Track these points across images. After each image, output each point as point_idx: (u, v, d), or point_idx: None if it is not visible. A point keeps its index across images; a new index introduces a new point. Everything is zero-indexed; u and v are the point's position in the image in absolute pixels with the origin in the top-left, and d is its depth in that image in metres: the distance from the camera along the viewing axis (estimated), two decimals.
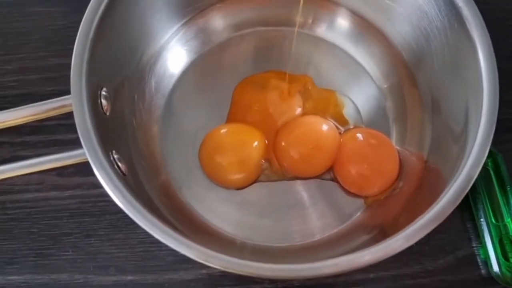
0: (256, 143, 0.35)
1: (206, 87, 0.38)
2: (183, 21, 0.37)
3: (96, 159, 0.26)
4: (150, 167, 0.34)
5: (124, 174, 0.29)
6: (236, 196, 0.35)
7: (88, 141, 0.26)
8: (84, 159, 0.26)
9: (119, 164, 0.28)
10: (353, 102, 0.37)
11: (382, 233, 0.32)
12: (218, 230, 0.34)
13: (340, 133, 0.36)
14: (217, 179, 0.35)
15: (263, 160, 0.36)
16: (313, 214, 0.35)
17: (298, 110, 0.37)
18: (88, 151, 0.26)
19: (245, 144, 0.35)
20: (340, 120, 0.37)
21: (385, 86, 0.38)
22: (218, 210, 0.35)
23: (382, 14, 0.36)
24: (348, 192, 0.35)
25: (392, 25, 0.36)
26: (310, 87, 0.38)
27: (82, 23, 0.29)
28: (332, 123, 0.36)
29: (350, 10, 0.38)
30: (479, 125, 0.27)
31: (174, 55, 0.38)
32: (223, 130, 0.36)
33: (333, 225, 0.34)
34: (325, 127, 0.35)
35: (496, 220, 0.35)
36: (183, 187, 0.35)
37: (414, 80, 0.36)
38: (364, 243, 0.32)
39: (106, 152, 0.27)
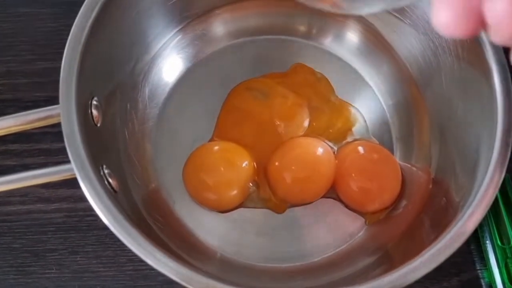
0: (244, 163, 0.33)
1: (202, 96, 0.36)
2: (180, 27, 0.36)
3: (85, 176, 0.24)
4: (142, 181, 0.33)
5: (115, 191, 0.27)
6: (232, 212, 0.33)
7: (76, 156, 0.24)
8: (72, 175, 0.24)
9: (110, 180, 0.27)
10: (364, 119, 0.36)
11: (386, 255, 0.31)
12: (212, 248, 0.32)
13: (334, 153, 0.35)
14: (199, 200, 0.33)
15: (250, 184, 0.34)
16: (312, 234, 0.33)
17: (304, 127, 0.36)
18: (76, 167, 0.24)
19: (231, 164, 0.33)
20: (344, 135, 0.36)
21: (391, 103, 0.36)
22: (212, 227, 0.33)
23: (389, 27, 0.35)
24: (349, 208, 0.34)
25: (399, 38, 0.35)
26: (331, 98, 0.36)
27: (72, 28, 0.27)
28: (326, 144, 0.35)
29: (357, 22, 0.36)
30: (492, 149, 0.26)
31: (169, 62, 0.36)
32: (209, 148, 0.34)
33: (333, 246, 0.33)
34: (322, 152, 0.34)
35: (502, 242, 0.33)
36: (176, 201, 0.34)
37: (421, 98, 0.34)
38: (367, 267, 0.31)
39: (96, 167, 0.25)
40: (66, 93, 0.26)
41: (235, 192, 0.33)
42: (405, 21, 0.33)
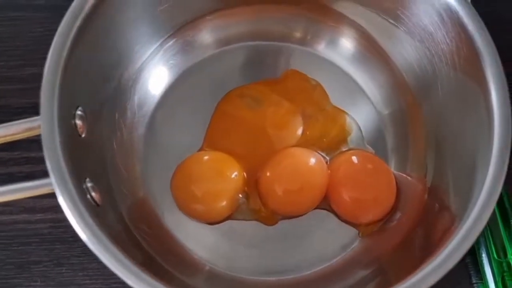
0: (234, 174, 0.32)
1: (193, 104, 0.35)
2: (168, 34, 0.35)
3: (65, 191, 0.23)
4: (130, 192, 0.32)
5: (97, 205, 0.26)
6: (222, 224, 0.33)
7: (57, 170, 0.23)
8: (51, 190, 0.23)
9: (92, 193, 0.26)
10: (359, 128, 0.35)
11: (380, 269, 0.31)
12: (200, 261, 0.32)
13: (326, 162, 0.34)
14: (187, 211, 0.32)
15: (240, 195, 0.33)
16: (304, 246, 0.33)
17: (297, 136, 0.35)
18: (56, 182, 0.23)
19: (220, 175, 0.32)
20: (338, 144, 0.35)
21: (386, 112, 0.35)
22: (201, 238, 0.32)
23: (384, 34, 0.34)
24: (342, 220, 0.33)
25: (395, 46, 0.34)
26: (326, 106, 0.35)
27: (55, 37, 0.26)
28: (319, 155, 0.34)
29: (352, 29, 0.35)
30: (489, 163, 0.25)
31: (158, 70, 0.35)
32: (198, 158, 0.33)
33: (326, 259, 0.32)
34: (314, 162, 0.33)
35: (499, 256, 0.33)
36: (165, 212, 0.33)
37: (418, 107, 0.34)
38: (361, 280, 0.30)
39: (79, 180, 0.25)
40: (47, 103, 0.25)
41: (224, 203, 0.32)
42: (400, 28, 0.32)
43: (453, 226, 0.26)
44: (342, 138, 0.35)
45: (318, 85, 0.36)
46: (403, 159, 0.34)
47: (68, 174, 0.24)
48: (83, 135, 0.27)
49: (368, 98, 0.36)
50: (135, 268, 0.22)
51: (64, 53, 0.26)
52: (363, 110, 0.35)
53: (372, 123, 0.35)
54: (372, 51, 0.35)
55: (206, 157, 0.33)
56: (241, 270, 0.31)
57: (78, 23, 0.26)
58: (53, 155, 0.24)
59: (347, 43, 0.36)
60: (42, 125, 0.24)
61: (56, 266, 0.32)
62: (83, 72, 0.28)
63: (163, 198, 0.33)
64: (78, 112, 0.27)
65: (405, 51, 0.33)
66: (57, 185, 0.23)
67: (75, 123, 0.27)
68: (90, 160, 0.28)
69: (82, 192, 0.24)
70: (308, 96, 0.36)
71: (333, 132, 0.35)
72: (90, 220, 0.23)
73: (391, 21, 0.32)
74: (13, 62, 0.37)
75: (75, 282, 0.32)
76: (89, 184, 0.26)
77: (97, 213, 0.25)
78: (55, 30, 0.27)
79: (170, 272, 0.29)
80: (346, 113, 0.35)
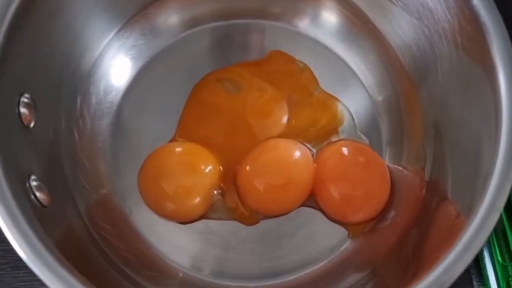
0: (208, 168, 0.29)
1: (165, 91, 0.32)
2: (125, 20, 0.31)
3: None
4: (92, 187, 0.29)
5: (44, 206, 0.23)
6: (197, 222, 0.30)
7: None
8: None
9: (37, 193, 0.23)
10: (351, 115, 0.32)
11: (373, 274, 0.28)
12: (172, 264, 0.29)
13: (313, 155, 0.31)
14: (156, 209, 0.29)
15: (215, 191, 0.30)
16: (288, 247, 0.30)
17: (282, 125, 0.31)
18: None
19: (193, 168, 0.29)
20: (328, 134, 0.31)
21: (380, 98, 0.32)
22: (174, 239, 0.30)
23: (377, 8, 0.30)
24: (330, 219, 0.30)
25: (389, 23, 0.30)
26: (314, 92, 0.32)
27: None
28: (303, 146, 0.31)
29: (339, 2, 0.32)
30: (496, 154, 0.22)
31: (122, 56, 0.32)
32: (168, 150, 0.30)
33: (313, 261, 0.30)
34: (299, 155, 0.30)
35: (503, 259, 0.30)
36: (133, 209, 0.30)
37: (415, 92, 0.30)
38: (353, 286, 0.28)
39: (21, 179, 0.22)
40: None
41: (196, 201, 0.29)
42: (396, 3, 0.28)
43: (454, 225, 0.23)
44: (333, 128, 0.32)
45: (305, 67, 0.33)
46: (399, 150, 0.31)
47: (4, 173, 0.20)
48: (30, 125, 0.24)
49: (360, 81, 0.32)
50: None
51: (1, 32, 0.22)
52: (354, 96, 0.32)
53: (364, 110, 0.32)
54: (363, 29, 0.32)
55: (177, 149, 0.30)
56: (217, 275, 0.29)
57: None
58: None
59: (334, 19, 0.33)
60: None
61: (13, 269, 0.29)
62: (28, 56, 0.24)
63: (131, 194, 0.30)
64: (24, 100, 0.24)
65: (401, 30, 0.29)
66: None
67: (19, 112, 0.23)
68: (39, 154, 0.24)
69: (23, 194, 0.21)
70: (294, 80, 0.33)
71: (322, 120, 0.32)
72: (27, 229, 0.20)
73: None
74: None
75: (34, 287, 0.29)
76: (34, 183, 0.23)
77: (42, 215, 0.21)
78: None
79: (136, 280, 0.26)
80: (338, 99, 0.32)
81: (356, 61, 0.32)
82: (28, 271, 0.29)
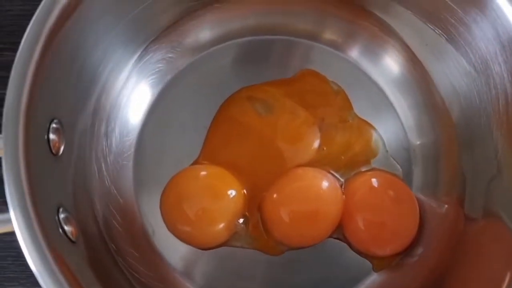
0: (233, 194, 0.28)
1: (189, 110, 0.31)
2: (155, 35, 0.30)
3: (28, 234, 0.19)
4: (118, 210, 0.28)
5: (72, 242, 0.22)
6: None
7: (18, 205, 0.19)
8: (9, 229, 0.19)
9: (65, 227, 0.22)
10: (384, 144, 0.31)
11: None
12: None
13: (341, 185, 0.30)
14: (176, 233, 0.29)
15: (239, 219, 0.29)
16: (309, 278, 0.29)
17: (312, 151, 0.30)
18: (17, 222, 0.19)
19: (217, 194, 0.29)
20: (359, 163, 0.30)
21: (418, 142, 0.31)
22: (195, 263, 0.29)
23: (431, 49, 0.28)
24: (354, 250, 0.30)
25: (440, 65, 0.28)
26: (348, 117, 0.31)
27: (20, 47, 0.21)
28: (332, 177, 0.30)
29: (394, 39, 0.30)
30: None
31: (148, 74, 0.30)
32: (191, 173, 0.29)
33: None
34: (328, 186, 0.29)
35: None
36: (156, 230, 0.29)
37: (456, 143, 0.29)
38: None
39: (50, 213, 0.21)
40: (13, 113, 0.20)
41: (219, 227, 0.28)
42: (450, 43, 0.27)
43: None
44: (365, 158, 0.30)
45: (340, 90, 0.31)
46: (432, 187, 0.30)
47: (34, 210, 0.20)
48: (59, 153, 0.23)
49: (399, 118, 0.31)
50: None
51: (34, 58, 0.21)
52: (390, 132, 0.31)
53: (397, 148, 0.31)
54: (413, 68, 0.30)
55: (201, 172, 0.29)
56: None
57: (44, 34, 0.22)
58: (15, 184, 0.20)
59: (385, 55, 0.31)
60: (3, 143, 0.20)
61: (33, 285, 0.29)
62: (58, 80, 0.23)
63: (154, 216, 0.29)
64: (54, 125, 0.23)
65: (451, 74, 0.28)
66: (16, 224, 0.19)
67: (48, 138, 0.22)
68: (67, 183, 0.24)
69: (53, 229, 0.20)
70: (328, 103, 0.31)
71: (355, 148, 0.31)
72: (58, 272, 0.19)
73: (440, 33, 0.27)
74: None
75: None
76: (62, 216, 0.22)
77: (70, 250, 0.21)
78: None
79: None
80: (373, 127, 0.31)
81: (400, 99, 0.31)
82: None
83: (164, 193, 0.29)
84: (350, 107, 0.31)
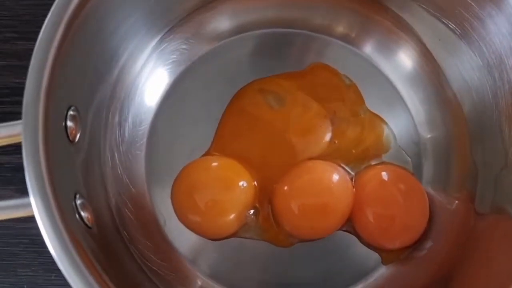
0: (243, 185, 0.29)
1: (202, 101, 0.31)
2: (170, 25, 0.30)
3: (48, 217, 0.19)
4: (130, 199, 0.29)
5: (89, 227, 0.22)
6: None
7: (38, 190, 0.20)
8: (29, 213, 0.20)
9: (82, 213, 0.22)
10: (395, 140, 0.31)
11: None
12: (201, 278, 0.29)
13: (351, 179, 0.30)
14: (187, 224, 0.29)
15: (249, 211, 0.29)
16: (319, 270, 0.29)
17: (324, 145, 0.30)
18: (37, 205, 0.19)
19: (227, 184, 0.29)
20: (370, 157, 0.30)
21: (429, 135, 0.31)
22: (206, 254, 0.29)
23: (444, 45, 0.29)
24: (363, 243, 0.30)
25: (453, 61, 0.28)
26: (360, 111, 0.31)
27: (41, 32, 0.22)
28: (342, 170, 0.30)
29: (408, 34, 0.30)
30: None
31: (163, 63, 0.31)
32: (201, 164, 0.29)
33: (344, 286, 0.29)
34: (339, 180, 0.29)
35: None
36: (167, 220, 0.29)
37: (468, 138, 0.29)
38: None
39: (67, 199, 0.21)
40: (33, 100, 0.21)
41: (228, 218, 0.28)
42: (463, 40, 0.27)
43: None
44: (376, 153, 0.30)
45: (352, 84, 0.32)
46: (443, 181, 0.30)
47: (53, 195, 0.20)
48: (76, 140, 0.23)
49: (410, 113, 0.31)
50: None
51: (54, 46, 0.21)
52: (401, 127, 0.31)
53: (408, 143, 0.31)
54: (425, 63, 0.30)
55: (213, 164, 0.30)
56: None
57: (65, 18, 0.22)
58: (35, 170, 0.20)
59: (398, 50, 0.31)
60: (23, 129, 0.20)
61: (46, 272, 0.30)
62: (76, 67, 0.23)
63: (166, 205, 0.29)
64: (71, 112, 0.23)
65: (463, 69, 0.28)
66: (36, 208, 0.19)
67: (65, 125, 0.23)
68: (82, 170, 0.24)
69: (71, 213, 0.21)
70: (340, 96, 0.31)
71: (366, 142, 0.31)
72: (76, 255, 0.19)
73: (454, 28, 0.27)
74: (3, 35, 0.33)
75: None
76: (79, 201, 0.22)
77: (86, 235, 0.21)
78: None
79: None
80: (384, 121, 0.31)
81: (411, 93, 0.31)
82: (61, 274, 0.29)
83: (175, 183, 0.29)
84: (362, 101, 0.31)
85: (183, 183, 0.29)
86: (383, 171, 0.30)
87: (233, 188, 0.29)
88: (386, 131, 0.31)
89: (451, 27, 0.27)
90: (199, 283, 0.28)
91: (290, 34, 0.32)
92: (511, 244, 0.23)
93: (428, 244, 0.29)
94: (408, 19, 0.30)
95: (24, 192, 0.20)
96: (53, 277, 0.29)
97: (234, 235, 0.29)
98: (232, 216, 0.28)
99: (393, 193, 0.29)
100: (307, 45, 0.32)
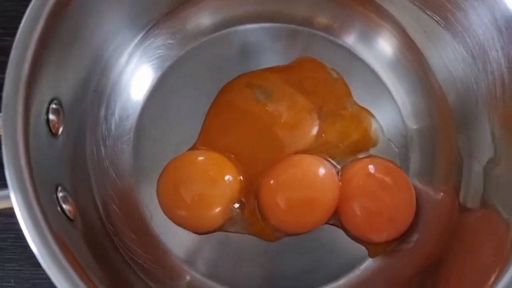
0: (229, 179, 0.29)
1: (189, 96, 0.31)
2: (155, 20, 0.30)
3: (26, 210, 0.20)
4: (116, 192, 0.29)
5: (70, 219, 0.22)
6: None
7: (16, 181, 0.20)
8: (8, 205, 0.20)
9: (64, 206, 0.22)
10: (383, 133, 0.31)
11: None
12: (188, 272, 0.29)
13: (337, 172, 0.30)
14: (172, 217, 0.29)
15: (234, 204, 0.29)
16: (306, 264, 0.29)
17: (310, 138, 0.30)
18: (16, 198, 0.19)
19: (213, 178, 0.29)
20: (356, 150, 0.31)
21: (415, 126, 0.31)
22: (193, 248, 0.29)
23: (427, 35, 0.28)
24: (350, 236, 0.30)
25: (437, 50, 0.28)
26: (347, 105, 0.31)
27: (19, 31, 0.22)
28: (329, 164, 0.30)
29: (390, 24, 0.30)
30: None
31: (148, 59, 0.31)
32: (187, 158, 0.30)
33: (332, 278, 0.29)
34: (326, 174, 0.29)
35: None
36: (154, 214, 0.29)
37: (453, 128, 0.29)
38: None
39: (49, 192, 0.21)
40: (12, 90, 0.21)
41: (214, 212, 0.28)
42: (447, 30, 0.27)
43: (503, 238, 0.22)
44: (364, 147, 0.31)
45: (339, 78, 0.32)
46: (429, 172, 0.30)
47: (32, 185, 0.20)
48: (58, 133, 0.24)
49: (396, 104, 0.31)
50: None
51: (34, 39, 0.21)
52: (387, 119, 0.31)
53: (395, 135, 0.31)
54: (410, 54, 0.30)
55: (198, 158, 0.30)
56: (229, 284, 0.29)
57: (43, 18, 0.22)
58: (14, 161, 0.20)
59: (382, 40, 0.31)
60: (2, 122, 0.20)
61: (32, 266, 0.30)
62: (58, 62, 0.23)
63: (154, 202, 0.29)
64: (53, 106, 0.23)
65: (448, 60, 0.28)
66: (15, 200, 0.19)
67: (47, 119, 0.23)
68: (65, 163, 0.24)
69: (51, 207, 0.21)
70: (327, 90, 0.31)
71: (353, 136, 0.31)
72: (55, 247, 0.19)
73: (438, 20, 0.27)
74: None
75: (53, 285, 0.29)
76: (61, 194, 0.22)
77: (68, 228, 0.21)
78: None
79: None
80: (372, 114, 0.31)
81: (396, 84, 0.31)
82: None
83: (161, 177, 0.29)
84: (349, 94, 0.31)
85: (168, 177, 0.29)
86: (370, 164, 0.30)
87: (218, 182, 0.29)
88: (374, 124, 0.31)
89: (435, 18, 0.27)
90: (187, 277, 0.29)
91: (274, 28, 0.32)
92: (496, 239, 0.23)
93: (415, 237, 0.29)
94: (392, 10, 0.30)
95: (4, 185, 0.20)
96: (40, 271, 0.29)
97: (220, 229, 0.29)
98: (218, 210, 0.28)
99: (380, 186, 0.29)
100: (292, 39, 0.32)
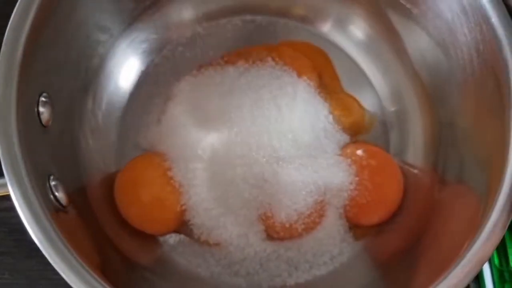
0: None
1: (171, 89, 0.31)
2: (137, 14, 0.31)
3: (21, 195, 0.20)
4: (102, 182, 0.29)
5: (62, 206, 0.23)
6: None
7: (12, 169, 0.21)
8: (5, 192, 0.21)
9: (56, 193, 0.23)
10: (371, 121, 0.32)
11: (381, 278, 0.28)
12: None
13: None
14: (127, 215, 0.29)
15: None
16: (294, 251, 0.30)
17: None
18: (11, 185, 0.20)
19: (170, 181, 0.28)
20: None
21: (393, 108, 0.32)
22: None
23: (400, 19, 0.30)
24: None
25: (413, 38, 0.30)
26: (338, 89, 0.32)
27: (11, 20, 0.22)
28: None
29: (364, 10, 0.31)
30: (504, 178, 0.22)
31: (132, 53, 0.31)
32: (146, 160, 0.30)
33: (315, 264, 0.30)
34: None
35: (501, 264, 0.30)
36: None
37: (430, 107, 0.30)
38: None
39: (42, 179, 0.22)
40: (4, 89, 0.22)
41: (170, 216, 0.28)
42: (413, 10, 0.28)
43: (475, 214, 0.23)
44: (355, 133, 0.31)
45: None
46: (407, 151, 0.31)
47: (26, 175, 0.21)
48: (48, 125, 0.24)
49: (373, 87, 0.32)
50: (89, 277, 0.21)
51: (24, 32, 0.22)
52: (366, 102, 0.32)
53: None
54: (384, 38, 0.31)
55: (156, 160, 0.29)
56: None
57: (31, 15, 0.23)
58: (8, 151, 0.21)
59: (356, 26, 0.32)
60: None
61: (26, 258, 0.30)
62: (46, 57, 0.24)
63: None
64: (43, 99, 0.24)
65: (421, 43, 0.29)
66: (11, 188, 0.20)
67: (38, 111, 0.23)
68: (56, 154, 0.25)
69: (44, 194, 0.22)
70: (324, 66, 0.32)
71: (345, 123, 0.31)
72: (49, 227, 0.21)
73: (410, 7, 0.28)
74: None
75: (46, 276, 0.30)
76: (53, 183, 0.23)
77: (57, 216, 0.22)
78: None
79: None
80: (359, 103, 0.32)
81: (373, 69, 0.32)
82: (41, 260, 0.30)
83: (119, 177, 0.29)
84: (338, 81, 0.32)
85: (126, 177, 0.29)
86: (357, 149, 0.31)
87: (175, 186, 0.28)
88: (366, 113, 0.32)
89: (408, 6, 0.28)
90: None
91: (253, 20, 0.33)
92: (470, 211, 0.25)
93: (398, 217, 0.30)
94: None
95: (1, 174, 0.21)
96: (33, 263, 0.30)
97: (175, 231, 0.29)
98: (173, 213, 0.28)
99: (368, 170, 0.30)
100: (270, 29, 0.33)
